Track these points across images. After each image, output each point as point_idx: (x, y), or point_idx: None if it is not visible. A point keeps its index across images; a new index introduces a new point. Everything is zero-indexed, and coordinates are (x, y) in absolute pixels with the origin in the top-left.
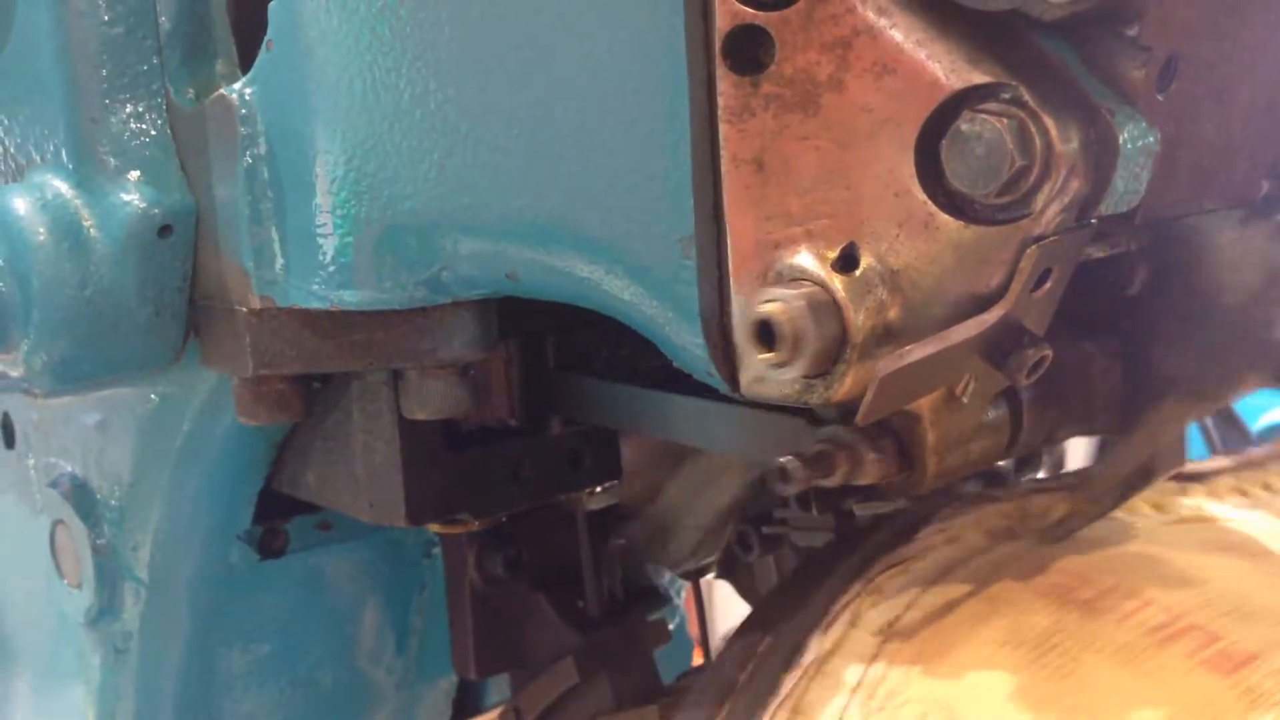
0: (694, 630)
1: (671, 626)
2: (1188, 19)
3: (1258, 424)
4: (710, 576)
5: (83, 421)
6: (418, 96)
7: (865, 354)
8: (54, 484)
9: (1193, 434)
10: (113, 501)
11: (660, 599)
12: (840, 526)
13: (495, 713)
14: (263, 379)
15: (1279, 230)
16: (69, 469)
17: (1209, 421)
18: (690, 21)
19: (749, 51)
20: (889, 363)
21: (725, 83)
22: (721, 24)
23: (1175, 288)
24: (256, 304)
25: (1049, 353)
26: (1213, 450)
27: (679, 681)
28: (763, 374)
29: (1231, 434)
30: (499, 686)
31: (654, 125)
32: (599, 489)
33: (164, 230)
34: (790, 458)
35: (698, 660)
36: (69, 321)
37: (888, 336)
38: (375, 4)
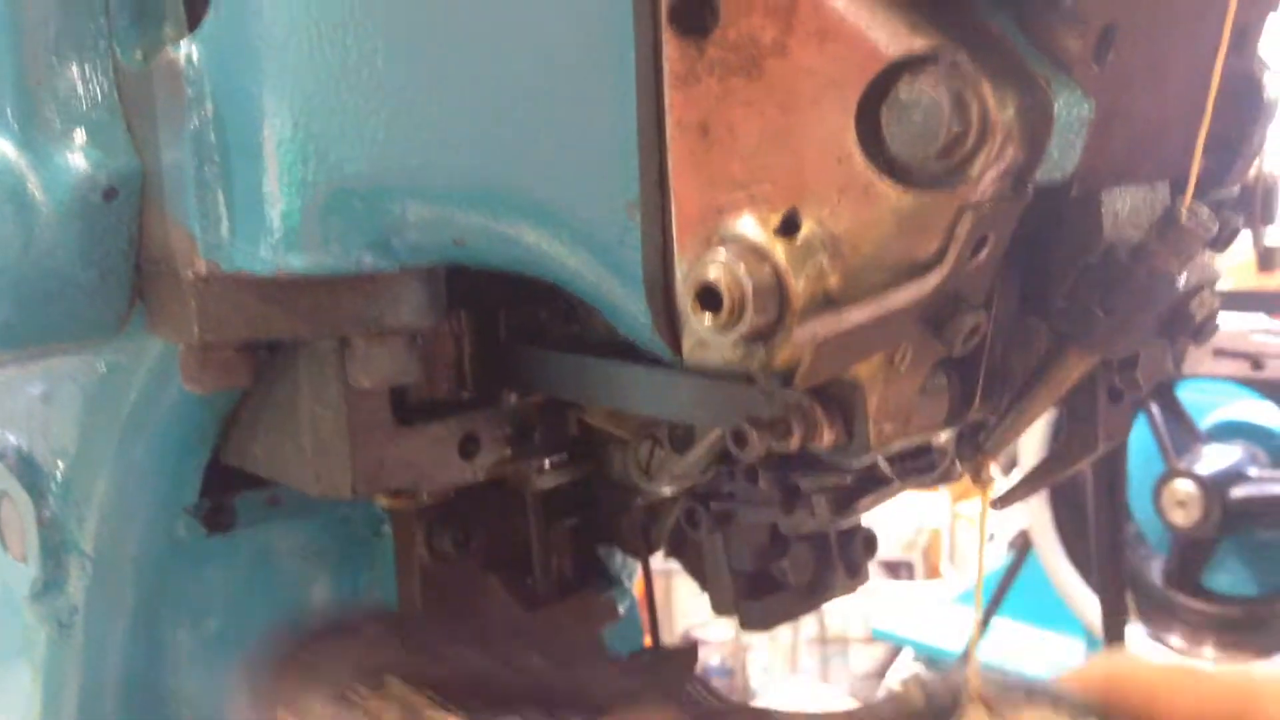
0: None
1: (622, 609)
2: None
3: (1205, 421)
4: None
5: (27, 393)
6: (365, 56)
7: (805, 319)
8: None
9: (1143, 430)
10: (58, 474)
11: (609, 580)
12: (786, 500)
13: None
14: (209, 346)
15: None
16: (13, 441)
17: (1159, 419)
18: None
19: (695, 16)
20: (827, 327)
21: (671, 47)
22: None
23: (1071, 242)
24: (203, 269)
25: (984, 320)
26: (1162, 445)
27: (629, 660)
28: (704, 339)
29: (1180, 431)
30: None
31: (601, 89)
32: (548, 466)
33: (109, 193)
34: (746, 422)
35: (648, 643)
36: (12, 285)
37: (827, 302)
38: None
